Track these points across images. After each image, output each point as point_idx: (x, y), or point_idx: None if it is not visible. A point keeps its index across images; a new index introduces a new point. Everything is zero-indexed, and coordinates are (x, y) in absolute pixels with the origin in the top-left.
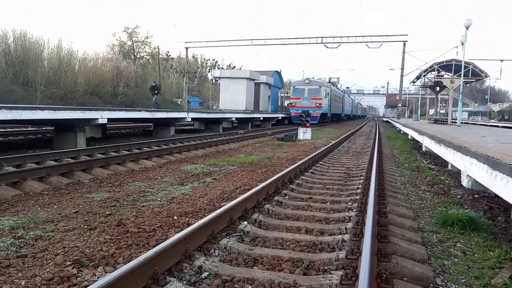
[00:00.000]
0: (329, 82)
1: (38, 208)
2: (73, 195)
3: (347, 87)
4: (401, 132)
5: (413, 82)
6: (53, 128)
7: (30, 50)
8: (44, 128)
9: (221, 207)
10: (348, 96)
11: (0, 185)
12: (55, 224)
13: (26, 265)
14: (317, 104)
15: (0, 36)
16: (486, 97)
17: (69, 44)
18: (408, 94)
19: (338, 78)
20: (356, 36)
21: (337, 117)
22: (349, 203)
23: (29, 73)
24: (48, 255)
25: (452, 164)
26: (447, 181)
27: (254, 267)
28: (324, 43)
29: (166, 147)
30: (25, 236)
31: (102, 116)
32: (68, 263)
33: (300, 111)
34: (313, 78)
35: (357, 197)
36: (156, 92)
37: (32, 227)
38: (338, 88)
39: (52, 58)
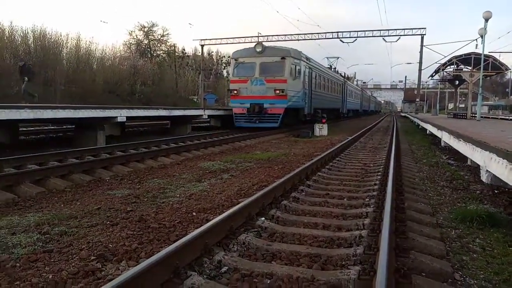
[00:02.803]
0: (329, 67)
1: (62, 205)
2: (95, 192)
3: (364, 82)
4: (420, 127)
5: (432, 76)
6: (74, 126)
7: (49, 50)
8: (65, 127)
9: (238, 203)
10: (356, 85)
11: (24, 182)
12: (78, 220)
13: (52, 260)
14: (277, 92)
15: (21, 37)
16: (507, 90)
17: (87, 44)
18: (427, 89)
19: (338, 58)
20: (372, 30)
21: (334, 113)
22: (367, 199)
23: (48, 72)
24: (73, 250)
25: (471, 159)
26: (466, 177)
27: (272, 262)
28: (340, 38)
29: (183, 144)
30: (50, 232)
31: (121, 115)
32: (93, 257)
33: (248, 105)
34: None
35: (375, 193)
36: (25, 77)
37: (57, 223)
38: (338, 73)
39: (71, 58)
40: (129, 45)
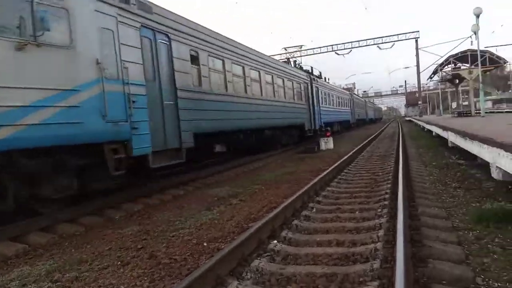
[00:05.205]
0: (287, 60)
1: (72, 250)
2: (105, 232)
3: (364, 91)
4: (425, 130)
5: (431, 77)
6: None
7: None
8: None
9: (248, 228)
10: (357, 95)
11: (33, 231)
12: (89, 264)
13: None
14: None
15: None
16: (509, 83)
17: None
18: (428, 90)
19: (301, 46)
20: (366, 39)
21: (280, 138)
22: (379, 210)
23: None
24: None
25: (480, 157)
26: (477, 175)
27: (287, 287)
28: (335, 50)
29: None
30: (61, 279)
31: None
32: None
33: None
34: None
35: (386, 202)
36: None
37: (68, 269)
38: (298, 66)
39: None
40: None
